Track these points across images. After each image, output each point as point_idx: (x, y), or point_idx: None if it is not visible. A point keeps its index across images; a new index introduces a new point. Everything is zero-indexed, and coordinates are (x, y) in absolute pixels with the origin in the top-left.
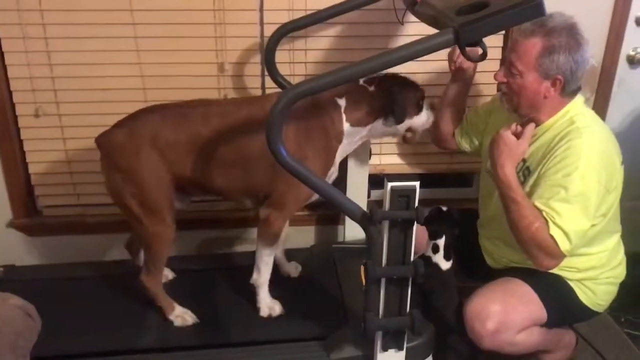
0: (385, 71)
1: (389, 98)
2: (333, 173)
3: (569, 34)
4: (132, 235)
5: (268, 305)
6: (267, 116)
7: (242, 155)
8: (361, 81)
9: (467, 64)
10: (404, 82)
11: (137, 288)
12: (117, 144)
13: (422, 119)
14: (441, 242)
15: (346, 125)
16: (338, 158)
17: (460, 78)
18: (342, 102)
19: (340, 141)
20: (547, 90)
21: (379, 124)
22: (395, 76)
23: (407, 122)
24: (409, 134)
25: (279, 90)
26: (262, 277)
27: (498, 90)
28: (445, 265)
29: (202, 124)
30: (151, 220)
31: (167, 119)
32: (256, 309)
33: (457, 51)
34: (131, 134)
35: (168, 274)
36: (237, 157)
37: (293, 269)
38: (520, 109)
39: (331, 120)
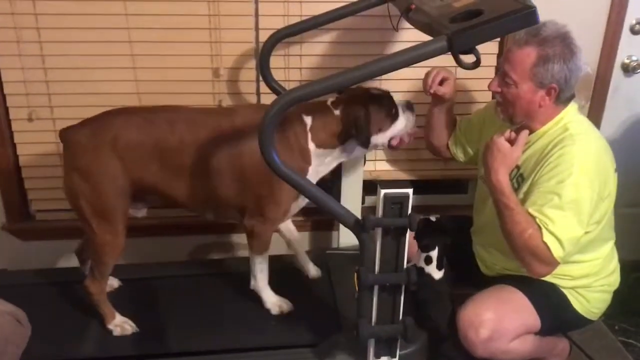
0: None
1: (352, 121)
2: (302, 199)
3: (562, 43)
4: (82, 242)
5: (275, 303)
6: (239, 127)
7: (206, 165)
8: (329, 102)
9: (442, 91)
10: (368, 99)
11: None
12: (77, 142)
13: (400, 125)
14: (434, 254)
15: (312, 146)
16: (311, 179)
17: (440, 102)
18: (308, 121)
19: (308, 162)
20: (542, 99)
21: (352, 145)
22: (360, 94)
23: (382, 136)
24: (393, 141)
25: (250, 102)
26: (259, 281)
27: (493, 98)
28: (437, 275)
29: (166, 130)
30: (102, 228)
31: (131, 122)
32: (258, 314)
33: (430, 79)
34: (93, 133)
35: (114, 283)
36: (201, 167)
37: (314, 270)
38: (515, 118)
39: (296, 138)
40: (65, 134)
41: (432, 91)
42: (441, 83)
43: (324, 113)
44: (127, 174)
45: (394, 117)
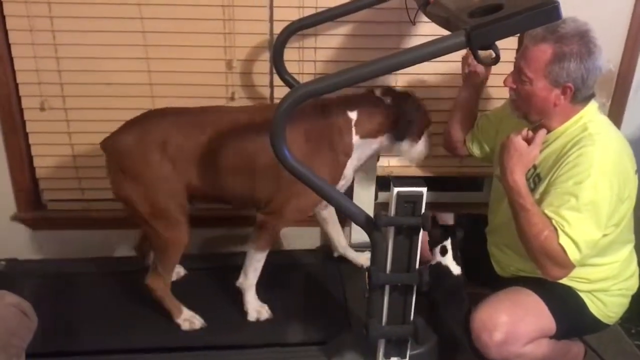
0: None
1: (403, 113)
2: (344, 186)
3: (580, 41)
4: (142, 236)
5: (255, 308)
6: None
7: (251, 165)
8: (377, 92)
9: (480, 68)
10: (418, 104)
11: (142, 286)
12: (125, 148)
13: (420, 147)
14: (448, 243)
15: (355, 138)
16: (349, 171)
17: (473, 83)
18: (353, 116)
19: (348, 155)
20: (557, 98)
21: (387, 138)
22: (412, 95)
23: (408, 144)
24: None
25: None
26: (249, 280)
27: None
28: (455, 269)
29: (213, 131)
30: (164, 227)
31: (177, 124)
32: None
33: (470, 58)
34: (140, 138)
35: (180, 271)
36: (246, 167)
37: (365, 259)
38: (529, 115)
39: (340, 134)
40: (110, 142)
41: (472, 67)
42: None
43: (373, 103)
44: (179, 175)
45: (420, 135)
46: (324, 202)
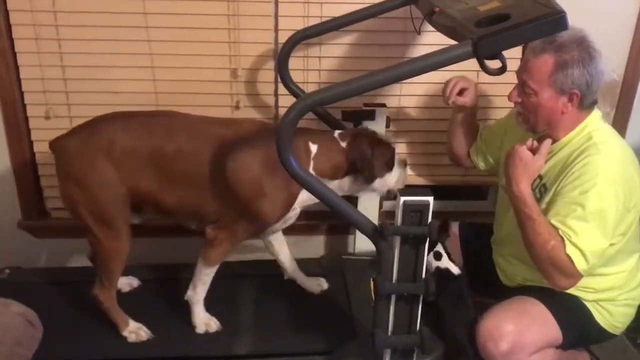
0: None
1: (359, 156)
2: (290, 218)
3: (579, 47)
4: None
5: (204, 321)
6: (236, 141)
7: (202, 176)
8: (336, 134)
9: (461, 101)
10: (375, 141)
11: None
12: (69, 151)
13: (392, 179)
14: (439, 247)
15: (312, 173)
16: (298, 204)
17: (461, 111)
18: (314, 149)
19: (300, 188)
20: (564, 106)
21: (347, 181)
22: (367, 134)
23: (378, 182)
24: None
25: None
26: (197, 294)
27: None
28: (455, 269)
29: (164, 137)
30: (105, 235)
31: (126, 128)
32: (273, 319)
33: (448, 90)
34: (85, 141)
35: (133, 282)
36: (196, 178)
37: (315, 286)
38: (537, 127)
39: (299, 161)
40: (56, 144)
41: (450, 102)
42: (460, 93)
43: (331, 143)
44: (124, 181)
45: (389, 168)
46: (274, 226)
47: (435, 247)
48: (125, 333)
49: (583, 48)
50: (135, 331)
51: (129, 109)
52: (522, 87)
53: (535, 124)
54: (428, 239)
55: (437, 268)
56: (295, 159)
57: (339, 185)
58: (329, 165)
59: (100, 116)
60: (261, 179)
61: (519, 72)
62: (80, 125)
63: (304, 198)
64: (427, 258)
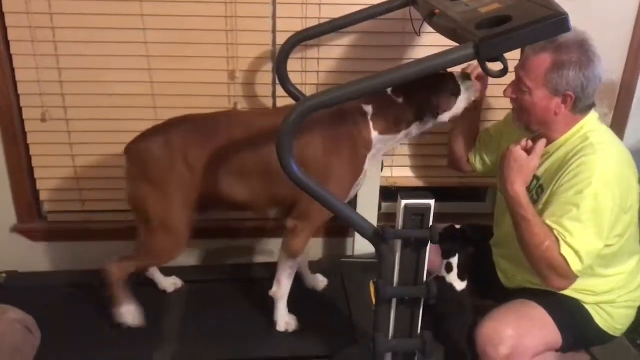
0: None
1: (420, 106)
2: (362, 180)
3: (580, 50)
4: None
5: (285, 320)
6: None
7: (267, 166)
8: (389, 91)
9: (477, 86)
10: (429, 84)
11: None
12: (151, 155)
13: (463, 101)
14: (454, 260)
15: (374, 134)
16: (368, 165)
17: (466, 112)
18: (369, 109)
19: (369, 149)
20: (557, 107)
21: (415, 128)
22: (421, 82)
23: (448, 114)
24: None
25: (285, 98)
26: (282, 289)
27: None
28: (459, 285)
29: (231, 138)
30: (165, 236)
31: (198, 132)
32: (272, 323)
33: (469, 70)
34: (167, 144)
35: (177, 282)
36: (262, 168)
37: (319, 282)
38: (530, 125)
39: (358, 129)
40: (134, 147)
41: None
42: (477, 79)
43: (386, 102)
44: (197, 185)
45: (456, 94)
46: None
47: (452, 257)
48: (119, 310)
49: (583, 51)
50: (131, 312)
51: (126, 112)
52: (518, 83)
53: (528, 122)
54: (430, 242)
55: (443, 279)
56: (355, 128)
57: (409, 134)
58: (391, 123)
59: (171, 121)
60: (325, 156)
61: (517, 68)
62: (153, 129)
63: (372, 158)
64: (441, 265)
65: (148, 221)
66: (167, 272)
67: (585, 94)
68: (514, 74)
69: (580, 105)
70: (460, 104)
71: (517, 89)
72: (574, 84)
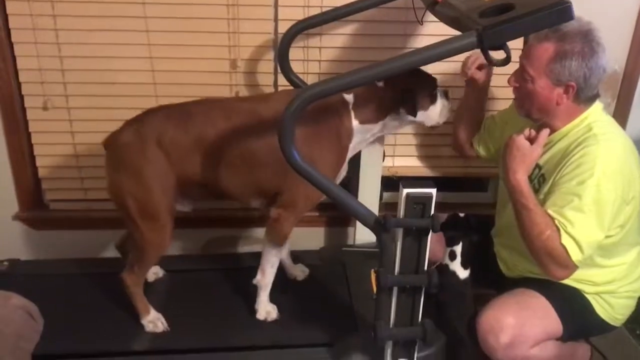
0: None
1: (399, 93)
2: (343, 170)
3: (583, 40)
4: (124, 236)
5: (266, 309)
6: (275, 114)
7: (250, 154)
8: None
9: (478, 75)
10: (413, 74)
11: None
12: (123, 143)
13: (437, 109)
14: (458, 248)
15: (355, 123)
16: (349, 156)
17: (475, 87)
18: (349, 99)
19: (350, 139)
20: (559, 97)
21: (391, 120)
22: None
23: (422, 114)
24: (428, 122)
25: (286, 87)
26: (266, 278)
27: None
28: (463, 273)
29: (208, 123)
30: (149, 225)
31: (172, 118)
32: (253, 311)
33: (470, 61)
34: (138, 133)
35: (159, 272)
36: (245, 156)
37: (299, 272)
38: (532, 114)
39: (340, 119)
40: (110, 139)
41: (469, 73)
42: (479, 68)
43: (367, 88)
44: (174, 171)
45: (432, 99)
46: None
47: (455, 245)
48: (144, 321)
49: (587, 41)
50: (153, 321)
51: (128, 100)
52: (521, 72)
53: (530, 110)
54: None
55: (446, 266)
56: (337, 117)
57: (385, 126)
58: (370, 111)
59: (147, 110)
60: (308, 146)
61: (521, 56)
62: (129, 120)
63: (352, 150)
64: (444, 252)
65: (129, 213)
66: None
67: (588, 85)
68: (516, 63)
69: (582, 96)
70: (432, 113)
71: (520, 77)
72: (577, 74)
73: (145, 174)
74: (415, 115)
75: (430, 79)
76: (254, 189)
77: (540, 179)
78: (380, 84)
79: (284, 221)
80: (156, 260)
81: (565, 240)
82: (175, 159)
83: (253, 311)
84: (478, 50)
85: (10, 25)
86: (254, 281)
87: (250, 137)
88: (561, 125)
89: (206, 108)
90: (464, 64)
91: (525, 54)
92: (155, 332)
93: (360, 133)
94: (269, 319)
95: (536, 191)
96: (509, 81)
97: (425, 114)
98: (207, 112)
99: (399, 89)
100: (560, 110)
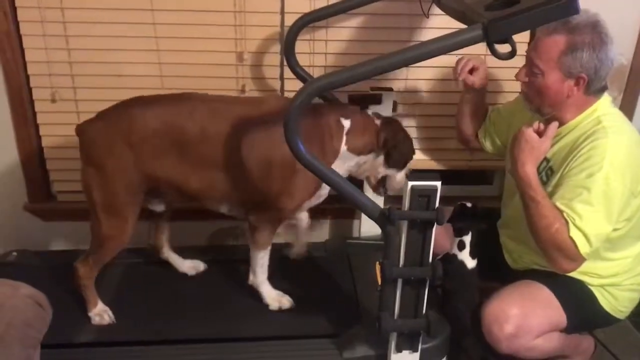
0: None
1: (392, 139)
2: (323, 195)
3: (593, 31)
4: (157, 232)
5: (275, 298)
6: (263, 118)
7: (227, 159)
8: (369, 111)
9: (470, 79)
10: (406, 134)
11: (151, 277)
12: (90, 136)
13: (399, 177)
14: (467, 238)
15: (344, 148)
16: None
17: (470, 91)
18: (346, 124)
19: (334, 160)
20: (570, 89)
21: (369, 159)
22: (399, 123)
23: (388, 171)
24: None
25: (293, 86)
26: (259, 277)
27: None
28: (470, 263)
29: (184, 120)
30: (110, 223)
31: (145, 113)
32: (257, 302)
33: (459, 67)
34: (105, 127)
35: (199, 266)
36: (221, 161)
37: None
38: (542, 108)
39: (330, 138)
40: (80, 129)
41: (460, 79)
42: (471, 72)
43: (365, 120)
44: (141, 168)
45: (403, 164)
46: (310, 202)
47: (465, 235)
48: (90, 314)
49: (596, 32)
50: (100, 314)
51: (135, 93)
52: (530, 66)
53: (540, 105)
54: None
55: (454, 256)
56: (328, 135)
57: (359, 162)
58: (361, 142)
59: (124, 101)
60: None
61: (529, 51)
62: (105, 109)
63: (336, 165)
64: (453, 242)
65: (92, 204)
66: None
67: (598, 76)
68: (521, 56)
69: (592, 88)
70: (398, 176)
71: (530, 72)
72: (588, 66)
73: (108, 170)
74: (389, 167)
75: (412, 148)
76: (227, 194)
77: (548, 171)
78: (378, 122)
79: (264, 229)
80: (113, 254)
81: (574, 233)
82: (145, 156)
83: (257, 303)
84: (468, 55)
85: (19, 18)
86: (250, 282)
87: (235, 142)
88: (570, 118)
89: (188, 106)
90: (454, 68)
91: (534, 48)
92: (102, 324)
93: (343, 159)
94: (284, 307)
95: (544, 184)
96: (517, 77)
97: (390, 171)
98: (184, 108)
99: (393, 136)
100: (570, 103)
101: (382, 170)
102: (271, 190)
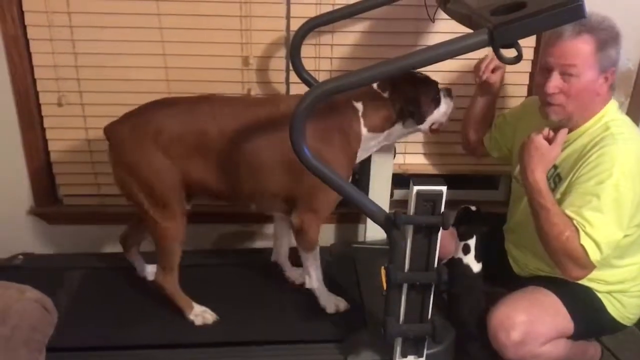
0: None
1: (405, 102)
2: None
3: (608, 27)
4: (127, 229)
5: (333, 302)
6: (284, 116)
7: (253, 158)
8: (375, 86)
9: (493, 78)
10: (416, 82)
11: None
12: (120, 138)
13: (441, 110)
14: (472, 242)
15: (364, 130)
16: (358, 160)
17: (486, 91)
18: (359, 106)
19: (359, 145)
20: (600, 86)
21: (397, 128)
22: (406, 77)
23: (429, 119)
24: (434, 126)
25: (299, 90)
26: (314, 279)
27: (528, 95)
28: (476, 267)
29: (210, 121)
30: (162, 216)
31: (173, 114)
32: (281, 306)
33: (484, 65)
34: (134, 127)
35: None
36: (247, 160)
37: (297, 275)
38: (574, 114)
39: (349, 123)
40: (109, 130)
41: (484, 77)
42: (493, 71)
43: (374, 97)
44: (175, 166)
45: (437, 102)
46: None
47: (469, 239)
48: (191, 317)
49: (611, 27)
50: (200, 314)
51: (141, 97)
52: (562, 73)
53: (574, 110)
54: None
55: (460, 260)
56: (348, 121)
57: (389, 135)
58: (379, 119)
59: (148, 103)
60: (320, 149)
61: (554, 61)
62: (131, 111)
63: (361, 155)
64: (458, 246)
65: (137, 203)
66: None
67: (617, 68)
68: (526, 61)
69: (612, 83)
70: (438, 114)
71: (563, 79)
72: (614, 59)
73: (143, 170)
74: (422, 123)
75: (431, 83)
76: (257, 193)
77: (556, 178)
78: (386, 94)
79: (309, 228)
80: (179, 251)
81: (585, 241)
82: (175, 156)
83: (261, 307)
84: (491, 53)
85: (26, 22)
86: (307, 286)
87: (256, 139)
88: (581, 123)
89: (213, 106)
90: (477, 67)
91: (562, 54)
92: (206, 324)
93: (367, 140)
94: (341, 310)
95: (552, 190)
96: (548, 90)
97: (431, 118)
98: (211, 110)
99: (402, 99)
100: (596, 103)
101: (421, 127)
102: (303, 186)
